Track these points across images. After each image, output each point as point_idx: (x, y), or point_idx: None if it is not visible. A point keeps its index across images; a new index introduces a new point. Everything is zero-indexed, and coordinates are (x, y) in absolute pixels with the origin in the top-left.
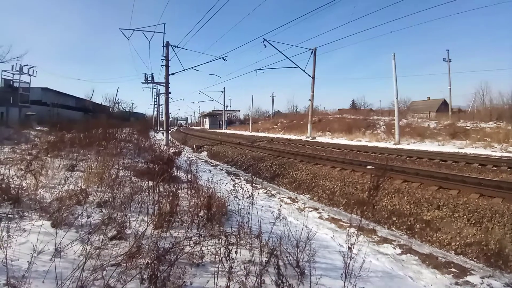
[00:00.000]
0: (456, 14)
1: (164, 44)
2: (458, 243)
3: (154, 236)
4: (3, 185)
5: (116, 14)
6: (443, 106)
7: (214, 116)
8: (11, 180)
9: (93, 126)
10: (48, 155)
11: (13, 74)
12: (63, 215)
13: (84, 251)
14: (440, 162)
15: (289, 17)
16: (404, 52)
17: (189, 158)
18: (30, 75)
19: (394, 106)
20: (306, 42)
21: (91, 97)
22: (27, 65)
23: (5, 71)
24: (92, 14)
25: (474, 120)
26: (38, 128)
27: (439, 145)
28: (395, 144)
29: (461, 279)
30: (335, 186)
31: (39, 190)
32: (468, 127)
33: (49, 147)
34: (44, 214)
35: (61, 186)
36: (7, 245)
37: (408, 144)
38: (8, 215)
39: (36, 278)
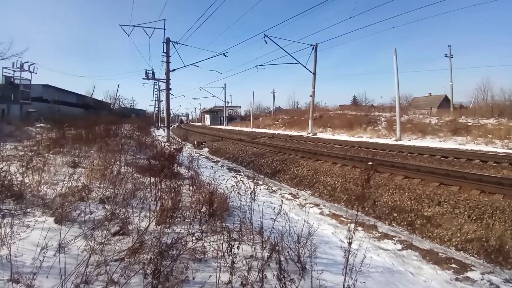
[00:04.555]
0: (459, 10)
1: (165, 40)
2: (458, 239)
3: (156, 231)
4: (6, 182)
5: (117, 10)
6: (445, 102)
7: (215, 113)
8: (13, 176)
9: (95, 123)
10: (50, 152)
11: (14, 71)
12: (66, 211)
13: (88, 247)
14: (441, 158)
15: (290, 12)
16: (406, 48)
17: (191, 154)
18: (31, 72)
19: (396, 102)
20: (307, 38)
21: (92, 94)
22: (28, 62)
23: (6, 68)
24: (93, 10)
25: (475, 116)
26: (40, 125)
27: (441, 141)
28: (396, 140)
29: (461, 275)
30: (336, 182)
31: (42, 187)
32: (469, 124)
33: (51, 144)
34: (47, 210)
35: (64, 182)
36: (11, 241)
37: (410, 140)
38: (11, 212)
39: (40, 273)
